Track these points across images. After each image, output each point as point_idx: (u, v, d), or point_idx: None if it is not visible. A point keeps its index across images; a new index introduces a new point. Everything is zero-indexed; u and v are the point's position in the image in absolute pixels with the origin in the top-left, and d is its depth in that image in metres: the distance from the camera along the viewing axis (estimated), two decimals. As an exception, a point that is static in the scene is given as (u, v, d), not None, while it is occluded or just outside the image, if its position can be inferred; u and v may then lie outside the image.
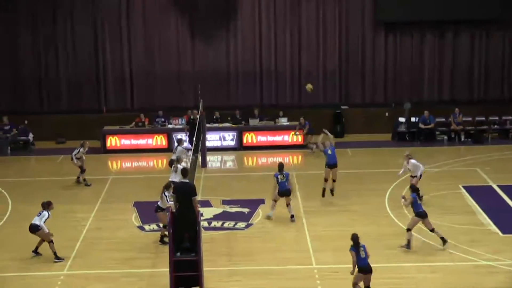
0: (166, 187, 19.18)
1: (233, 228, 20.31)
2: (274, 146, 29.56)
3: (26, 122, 30.67)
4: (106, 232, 20.32)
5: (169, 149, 29.18)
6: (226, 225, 20.62)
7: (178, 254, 15.61)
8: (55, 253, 18.39)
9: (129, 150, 29.52)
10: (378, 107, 32.44)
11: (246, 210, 21.63)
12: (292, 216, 20.75)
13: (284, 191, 20.67)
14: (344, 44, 32.52)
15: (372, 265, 15.72)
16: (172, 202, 19.03)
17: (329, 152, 22.49)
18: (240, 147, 29.65)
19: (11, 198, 23.45)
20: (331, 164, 22.46)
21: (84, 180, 24.77)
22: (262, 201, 22.37)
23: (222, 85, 32.54)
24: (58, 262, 18.27)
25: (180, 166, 20.56)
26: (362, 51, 32.54)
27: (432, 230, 18.65)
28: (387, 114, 31.95)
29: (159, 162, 28.30)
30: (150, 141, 29.71)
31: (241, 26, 32.37)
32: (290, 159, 28.41)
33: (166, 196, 18.97)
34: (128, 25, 32.17)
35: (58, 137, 31.04)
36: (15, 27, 31.93)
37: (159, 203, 19.29)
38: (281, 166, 21.00)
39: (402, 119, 31.01)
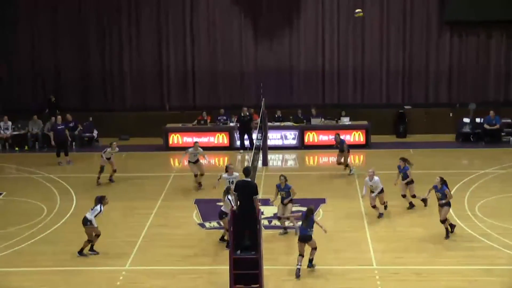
0: (227, 190, 19.00)
1: (293, 227, 20.24)
2: (336, 146, 29.35)
3: (91, 119, 31.14)
4: (167, 228, 20.51)
5: (230, 147, 29.38)
6: (286, 223, 20.56)
7: (238, 252, 15.66)
8: (82, 249, 18.64)
9: (191, 147, 29.65)
10: (442, 107, 32.02)
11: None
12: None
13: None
14: (408, 44, 32.18)
15: (435, 267, 15.47)
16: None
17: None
18: (301, 146, 29.59)
19: (76, 194, 23.84)
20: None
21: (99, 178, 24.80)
22: (323, 201, 22.28)
23: (284, 84, 32.54)
24: (80, 256, 18.57)
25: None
26: (426, 50, 32.15)
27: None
28: (451, 114, 31.49)
29: (221, 160, 28.43)
30: (212, 139, 29.86)
31: (304, 25, 32.31)
32: (352, 159, 28.21)
33: (229, 200, 18.46)
34: (192, 23, 32.44)
35: (121, 134, 31.45)
36: (81, 25, 32.53)
37: (222, 208, 19.10)
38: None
39: (466, 120, 30.52)
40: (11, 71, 32.87)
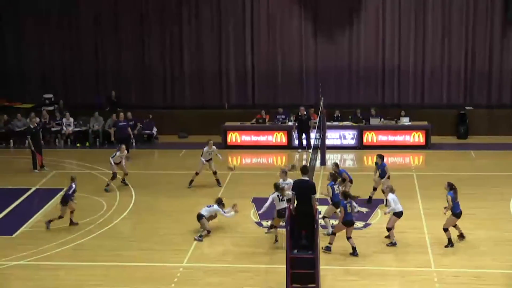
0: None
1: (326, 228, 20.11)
2: (395, 146, 29.11)
3: (150, 116, 31.42)
4: (225, 226, 20.55)
5: (289, 146, 29.32)
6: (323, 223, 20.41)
7: (295, 251, 15.62)
8: (200, 235, 19.67)
9: (249, 146, 29.79)
10: (505, 108, 31.46)
11: (364, 209, 21.41)
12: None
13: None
14: (471, 43, 31.70)
15: (496, 270, 15.25)
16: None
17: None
18: (360, 146, 29.39)
19: (135, 190, 24.08)
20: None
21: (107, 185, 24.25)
22: (381, 201, 22.05)
23: (343, 84, 32.39)
24: (197, 240, 19.50)
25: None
26: (489, 50, 31.62)
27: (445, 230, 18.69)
28: (514, 116, 30.95)
29: (279, 159, 28.40)
30: (270, 137, 29.86)
31: (365, 24, 32.10)
32: (411, 159, 27.94)
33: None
34: (252, 21, 32.52)
35: (180, 132, 31.68)
36: (143, 24, 32.91)
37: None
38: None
39: (530, 122, 29.99)
40: (75, 69, 33.40)
